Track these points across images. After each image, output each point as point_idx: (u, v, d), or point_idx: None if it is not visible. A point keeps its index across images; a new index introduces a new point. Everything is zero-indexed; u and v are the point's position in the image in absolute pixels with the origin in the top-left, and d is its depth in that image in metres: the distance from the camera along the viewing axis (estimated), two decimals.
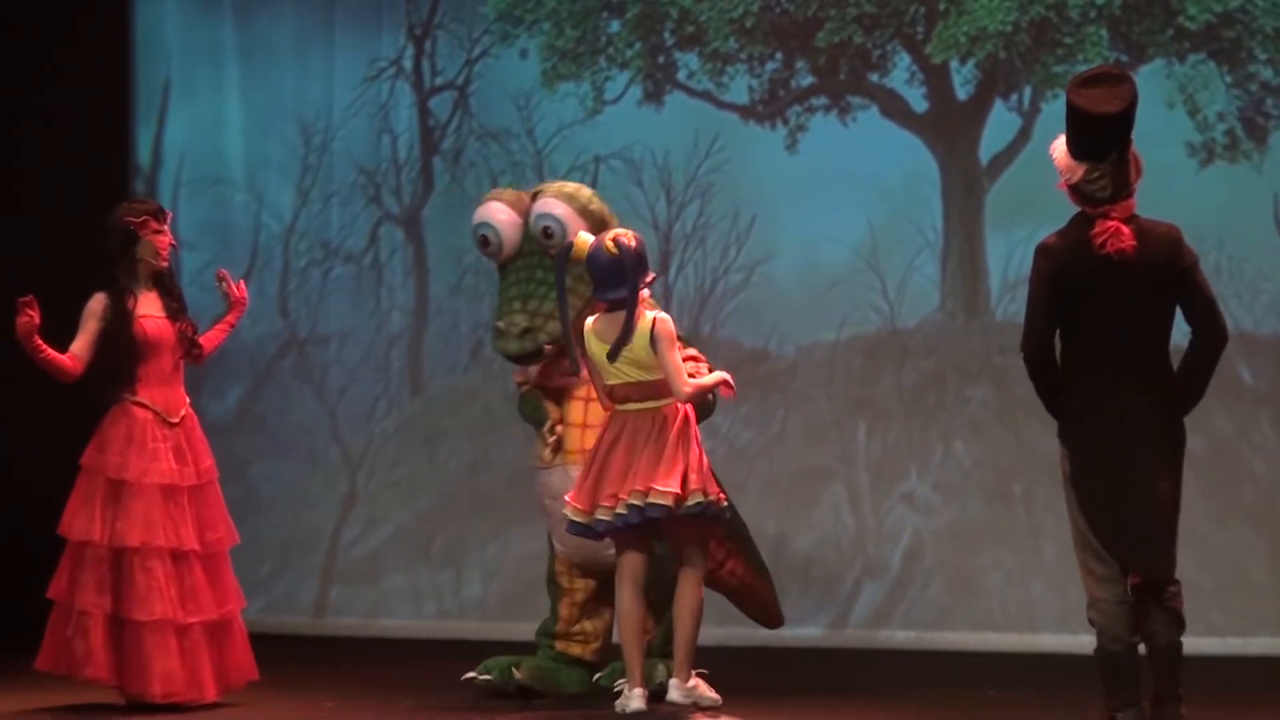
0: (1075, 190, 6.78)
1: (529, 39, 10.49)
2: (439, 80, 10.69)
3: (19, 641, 8.21)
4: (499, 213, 8.00)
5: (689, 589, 7.35)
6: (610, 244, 7.32)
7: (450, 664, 8.58)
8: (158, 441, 7.81)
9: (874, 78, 10.19)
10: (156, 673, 7.65)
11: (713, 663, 7.80)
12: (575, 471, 7.67)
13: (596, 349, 7.36)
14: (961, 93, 10.12)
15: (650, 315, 7.29)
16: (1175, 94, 9.84)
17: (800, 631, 9.81)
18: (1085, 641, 6.83)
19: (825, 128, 10.22)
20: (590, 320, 7.42)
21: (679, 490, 7.18)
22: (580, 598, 8.11)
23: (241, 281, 8.27)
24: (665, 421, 7.28)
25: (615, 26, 10.43)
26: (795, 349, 10.19)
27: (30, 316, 7.60)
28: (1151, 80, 9.57)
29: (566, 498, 7.42)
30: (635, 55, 10.40)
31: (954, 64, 10.10)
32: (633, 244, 7.32)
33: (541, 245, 7.93)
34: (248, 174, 10.83)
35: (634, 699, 7.32)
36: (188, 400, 8.00)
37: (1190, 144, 9.85)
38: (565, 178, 9.18)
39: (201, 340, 8.06)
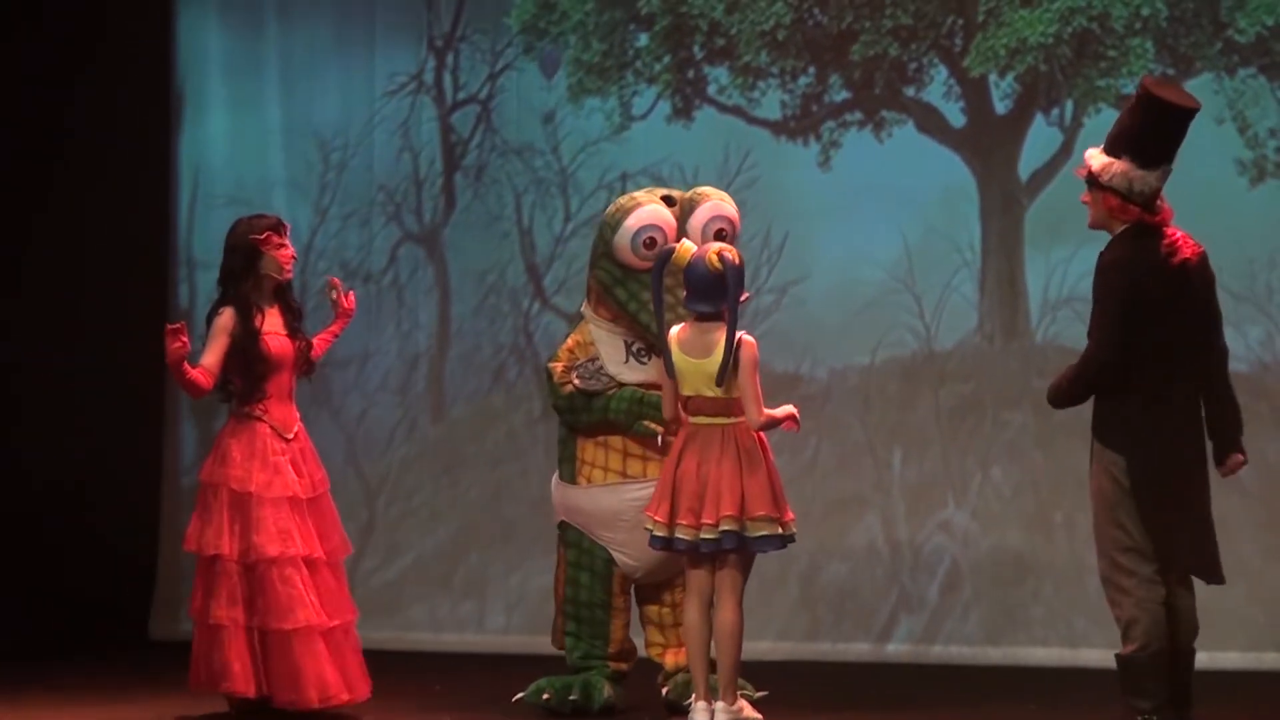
0: (1134, 201, 6.86)
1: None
2: (461, 95, 10.53)
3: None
4: (664, 214, 8.03)
5: (730, 610, 7.38)
6: (715, 258, 7.34)
7: (483, 677, 8.76)
8: (278, 455, 7.91)
9: (910, 92, 10.01)
10: (310, 679, 7.74)
11: (749, 677, 7.82)
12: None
13: (680, 359, 7.38)
14: (1000, 107, 9.94)
15: (737, 335, 7.33)
16: (1224, 109, 9.63)
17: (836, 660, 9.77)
18: None
19: (859, 144, 10.04)
20: (675, 330, 7.46)
21: (780, 516, 7.31)
22: (628, 616, 8.15)
23: (351, 292, 8.36)
24: (736, 439, 7.33)
25: (643, 40, 10.26)
26: (828, 372, 10.03)
27: (184, 343, 7.68)
28: (1199, 95, 9.28)
29: (646, 511, 7.49)
30: (664, 69, 10.24)
31: (993, 77, 9.93)
32: (736, 261, 7.37)
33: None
34: (264, 191, 10.63)
35: (699, 712, 7.40)
36: (299, 415, 8.13)
37: (1240, 161, 9.63)
38: (592, 195, 9.17)
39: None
